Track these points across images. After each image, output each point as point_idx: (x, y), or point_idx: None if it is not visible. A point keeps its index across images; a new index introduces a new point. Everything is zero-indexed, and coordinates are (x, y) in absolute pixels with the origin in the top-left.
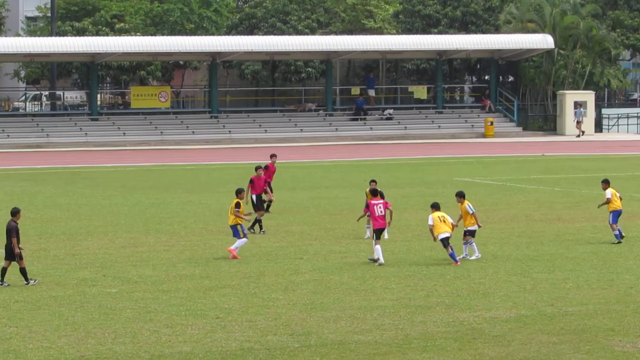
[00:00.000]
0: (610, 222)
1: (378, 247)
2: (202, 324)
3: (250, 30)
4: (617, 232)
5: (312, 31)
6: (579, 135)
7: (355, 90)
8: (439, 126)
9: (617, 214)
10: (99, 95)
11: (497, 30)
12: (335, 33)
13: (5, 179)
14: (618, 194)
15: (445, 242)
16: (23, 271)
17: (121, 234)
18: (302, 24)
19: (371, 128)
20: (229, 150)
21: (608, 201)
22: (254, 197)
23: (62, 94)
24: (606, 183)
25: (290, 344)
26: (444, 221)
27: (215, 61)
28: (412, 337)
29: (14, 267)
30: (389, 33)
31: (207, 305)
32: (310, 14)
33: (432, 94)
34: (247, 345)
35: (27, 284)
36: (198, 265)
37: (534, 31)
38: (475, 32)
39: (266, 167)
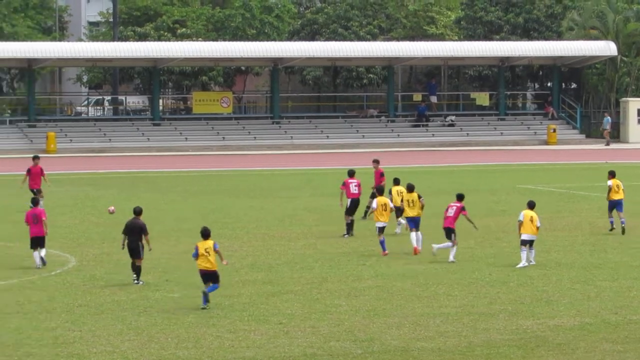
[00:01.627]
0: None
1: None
2: (265, 329)
3: (312, 36)
4: (611, 220)
5: (374, 37)
6: (608, 144)
7: (417, 97)
8: (501, 133)
9: (612, 204)
10: (161, 101)
11: (559, 37)
12: (397, 39)
13: (68, 183)
14: (622, 186)
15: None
16: (139, 269)
17: (183, 239)
18: (363, 30)
19: (433, 134)
20: (290, 155)
21: (609, 191)
22: (348, 201)
23: (124, 99)
24: (611, 174)
25: (352, 350)
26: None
27: (277, 67)
28: (475, 344)
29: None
30: (450, 39)
31: (269, 310)
32: (372, 20)
33: (494, 101)
34: (309, 351)
35: (137, 283)
36: (261, 270)
37: (596, 38)
38: (537, 38)
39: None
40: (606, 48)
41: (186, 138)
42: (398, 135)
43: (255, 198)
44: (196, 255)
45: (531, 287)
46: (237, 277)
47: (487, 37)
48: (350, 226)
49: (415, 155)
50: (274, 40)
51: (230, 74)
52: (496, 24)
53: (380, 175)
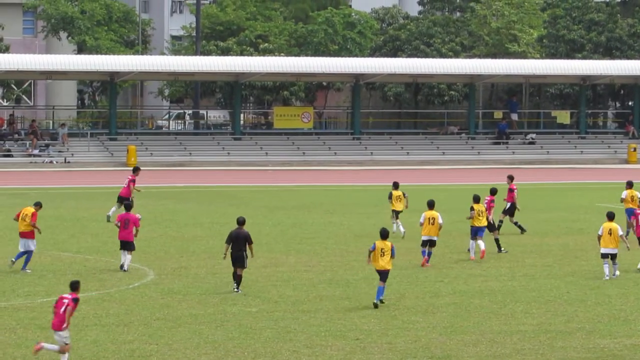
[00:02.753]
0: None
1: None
2: (342, 345)
3: (394, 52)
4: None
5: (456, 54)
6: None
7: (498, 114)
8: (582, 151)
9: (629, 211)
10: (242, 115)
11: None
12: (479, 56)
13: (148, 197)
14: (639, 196)
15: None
16: (240, 278)
17: (262, 254)
18: (445, 46)
19: (513, 152)
20: (370, 171)
21: (621, 200)
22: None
23: (205, 113)
24: (629, 185)
25: None
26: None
27: (358, 82)
28: None
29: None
30: (532, 57)
31: (346, 326)
32: (454, 37)
33: (575, 119)
34: None
35: (237, 291)
36: (338, 286)
37: None
38: (619, 57)
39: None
40: None
41: (267, 153)
42: (478, 152)
43: (334, 214)
44: (373, 248)
45: (609, 306)
46: (315, 293)
47: (569, 55)
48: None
49: (496, 172)
50: (356, 56)
51: (311, 89)
52: (578, 43)
53: (510, 192)
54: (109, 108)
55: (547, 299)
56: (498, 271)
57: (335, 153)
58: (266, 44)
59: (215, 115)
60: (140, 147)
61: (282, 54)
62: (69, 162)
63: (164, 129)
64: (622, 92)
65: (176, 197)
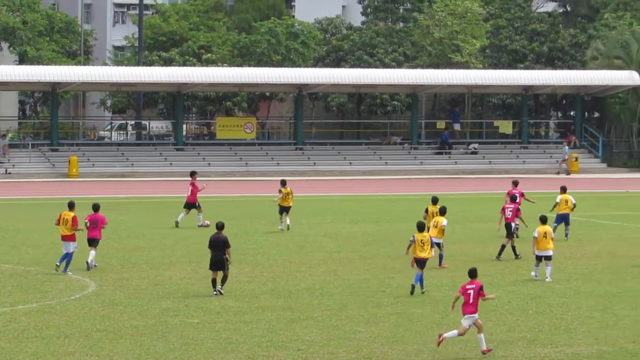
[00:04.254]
0: (554, 223)
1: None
2: (284, 355)
3: (337, 63)
4: (555, 225)
5: (399, 64)
6: (558, 173)
7: (441, 124)
8: (524, 161)
9: (560, 217)
10: (184, 126)
11: (583, 66)
12: (422, 67)
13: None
14: (572, 201)
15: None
16: (225, 278)
17: (204, 264)
18: (388, 57)
19: (456, 162)
20: (313, 182)
21: (555, 205)
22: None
23: (147, 124)
24: (563, 190)
25: None
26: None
27: (301, 93)
28: None
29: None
30: (475, 67)
31: (288, 337)
32: (397, 47)
33: (517, 129)
34: None
35: (215, 293)
36: (280, 296)
37: (620, 68)
38: (561, 67)
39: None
40: (629, 78)
41: (209, 163)
42: (421, 162)
43: (277, 224)
44: (413, 241)
45: (550, 315)
46: (257, 303)
47: (511, 65)
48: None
49: (438, 183)
50: (299, 66)
51: (254, 99)
52: (521, 53)
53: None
54: (50, 119)
55: (489, 309)
56: (440, 281)
57: (278, 163)
58: (209, 55)
59: (158, 125)
60: (82, 158)
61: (225, 64)
62: (9, 173)
63: (106, 139)
64: (564, 102)
65: (118, 208)
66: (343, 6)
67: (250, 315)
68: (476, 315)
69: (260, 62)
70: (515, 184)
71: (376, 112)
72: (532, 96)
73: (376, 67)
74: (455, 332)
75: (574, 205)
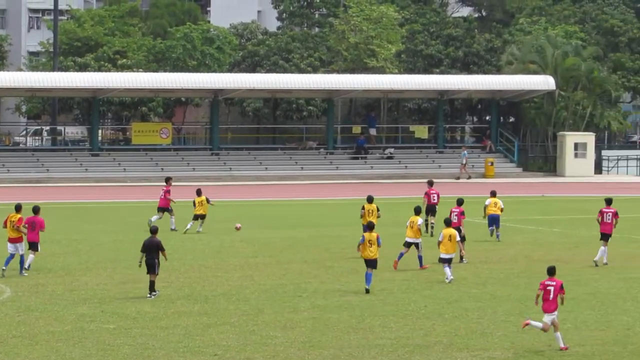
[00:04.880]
0: (489, 227)
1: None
2: None
3: (253, 68)
4: (491, 228)
5: (315, 69)
6: (458, 178)
7: (357, 129)
8: (440, 166)
9: (491, 219)
10: (100, 131)
11: (498, 70)
12: (338, 72)
13: (4, 213)
14: (501, 205)
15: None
16: (152, 284)
17: (120, 270)
18: (304, 62)
19: (372, 167)
20: (228, 187)
21: (485, 208)
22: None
23: (63, 129)
24: (493, 194)
25: None
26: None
27: (217, 98)
28: None
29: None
30: (391, 72)
31: (205, 342)
32: (313, 52)
33: (433, 134)
34: None
35: (150, 297)
36: (197, 302)
37: (535, 72)
38: (477, 72)
39: None
40: (544, 82)
41: (125, 169)
42: (337, 167)
43: (191, 231)
44: (362, 241)
45: (466, 320)
46: (173, 309)
47: (427, 70)
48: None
49: (354, 188)
50: (215, 71)
51: (170, 105)
52: (436, 58)
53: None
54: None
55: (405, 313)
56: (357, 286)
57: (193, 169)
58: (124, 60)
59: (73, 131)
60: None
61: (141, 69)
62: None
63: (21, 145)
64: (479, 106)
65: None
66: (258, 11)
67: (167, 320)
68: (556, 313)
69: (176, 68)
70: (431, 183)
71: (292, 117)
72: (448, 101)
73: (292, 72)
74: (540, 324)
75: (502, 210)
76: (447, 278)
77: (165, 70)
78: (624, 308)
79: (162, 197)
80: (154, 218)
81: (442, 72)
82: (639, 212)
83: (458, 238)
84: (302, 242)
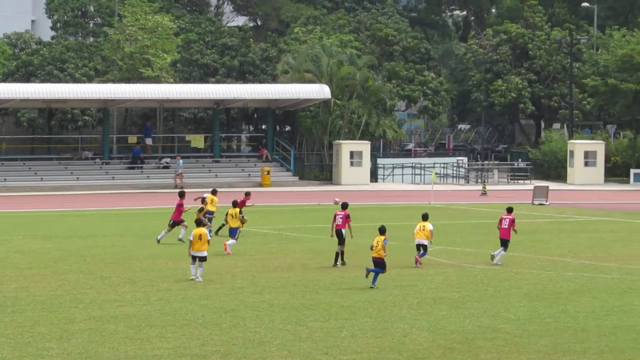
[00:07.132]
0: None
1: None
2: None
3: (27, 78)
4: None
5: (90, 79)
6: (177, 186)
7: (132, 139)
8: (216, 175)
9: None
10: None
11: (274, 80)
12: (113, 81)
13: None
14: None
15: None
16: None
17: None
18: (79, 71)
19: (148, 177)
20: (3, 198)
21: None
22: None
23: None
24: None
25: None
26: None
27: None
28: None
29: None
30: (166, 82)
31: None
32: (88, 62)
33: (209, 143)
34: None
35: None
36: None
37: (311, 81)
38: (252, 81)
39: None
40: (320, 91)
41: None
42: (113, 177)
43: None
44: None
45: (243, 329)
46: None
47: (202, 79)
48: None
49: (130, 198)
50: None
51: None
52: (212, 67)
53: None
54: None
55: (182, 323)
56: (133, 296)
57: None
58: None
59: None
60: None
61: None
62: None
63: None
64: (255, 115)
65: None
66: (32, 21)
67: None
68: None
69: None
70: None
71: (67, 127)
72: (224, 110)
73: (67, 82)
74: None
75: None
76: (192, 276)
77: None
78: (400, 315)
79: (175, 211)
80: (163, 233)
81: (218, 82)
82: (415, 220)
83: None
84: (79, 253)
